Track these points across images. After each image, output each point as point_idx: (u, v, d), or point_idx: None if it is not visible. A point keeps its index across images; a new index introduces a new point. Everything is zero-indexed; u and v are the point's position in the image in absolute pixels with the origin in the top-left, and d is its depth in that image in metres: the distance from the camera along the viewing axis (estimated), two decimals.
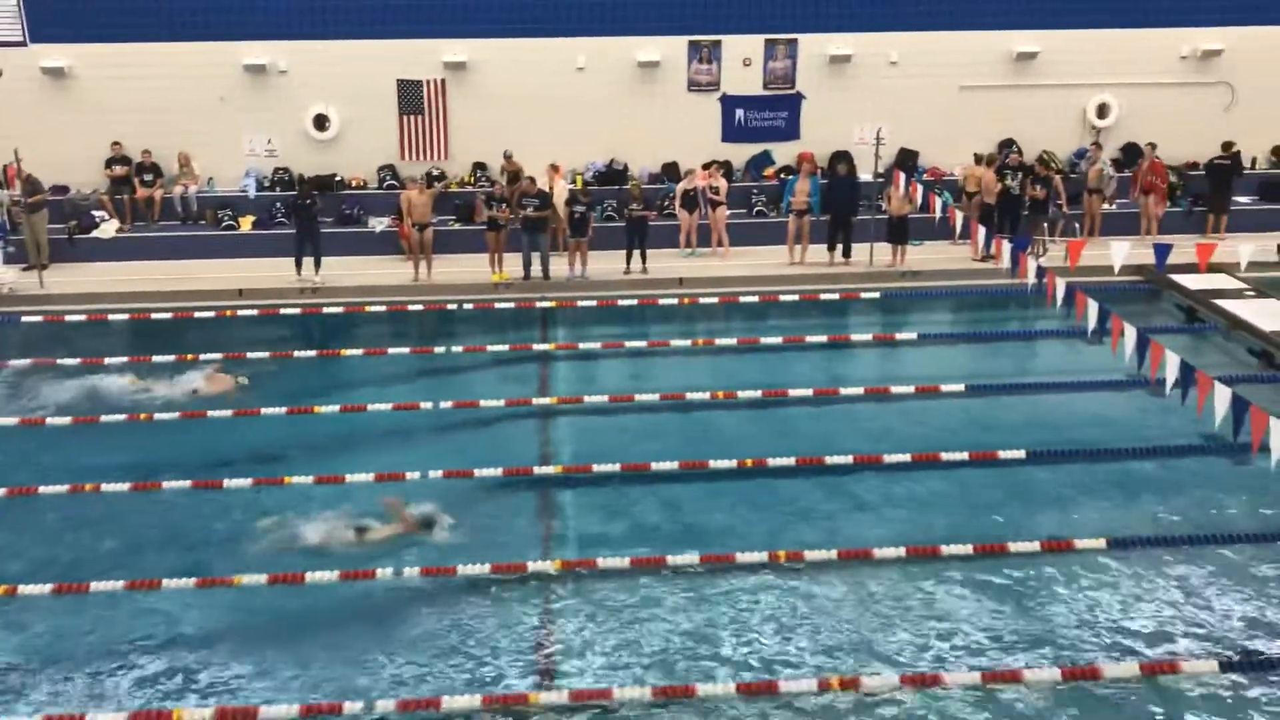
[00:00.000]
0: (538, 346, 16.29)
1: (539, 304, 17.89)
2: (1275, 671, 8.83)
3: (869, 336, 16.72)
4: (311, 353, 15.78)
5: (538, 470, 12.11)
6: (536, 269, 18.47)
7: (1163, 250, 15.37)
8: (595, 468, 12.08)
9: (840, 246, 19.01)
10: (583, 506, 11.56)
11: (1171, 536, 10.70)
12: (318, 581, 9.85)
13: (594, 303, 17.86)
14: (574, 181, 19.63)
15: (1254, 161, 21.54)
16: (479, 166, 20.97)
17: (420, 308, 17.74)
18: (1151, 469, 12.10)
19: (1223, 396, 10.57)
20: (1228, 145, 20.60)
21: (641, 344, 16.44)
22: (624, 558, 10.28)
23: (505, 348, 16.01)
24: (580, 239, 18.58)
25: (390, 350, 15.78)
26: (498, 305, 17.87)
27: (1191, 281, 17.30)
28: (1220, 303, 16.66)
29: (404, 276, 18.77)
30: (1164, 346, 11.67)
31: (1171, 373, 11.33)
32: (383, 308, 17.71)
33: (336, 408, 13.74)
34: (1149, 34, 21.25)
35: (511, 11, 20.40)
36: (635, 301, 17.93)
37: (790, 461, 12.21)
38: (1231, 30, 21.27)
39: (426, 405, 13.75)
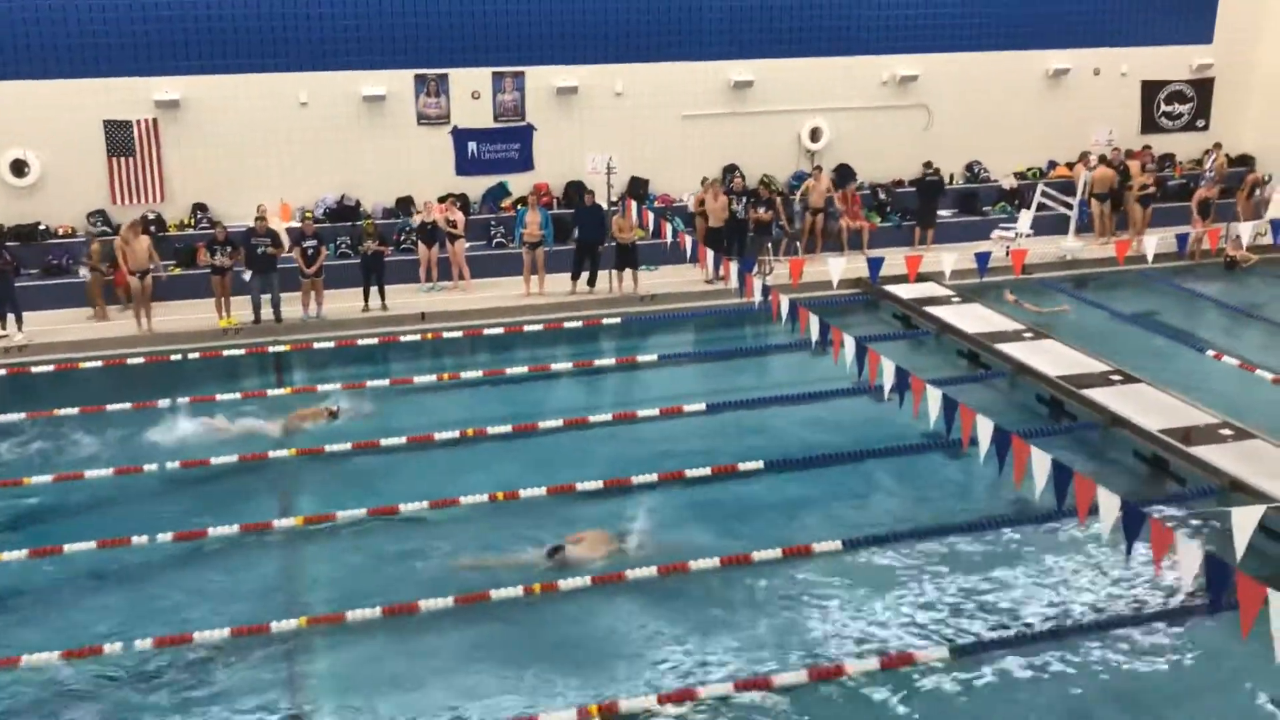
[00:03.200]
0: (272, 393, 15.60)
1: (272, 349, 17.17)
2: (1000, 651, 9.53)
3: (612, 361, 17.02)
4: (18, 415, 14.50)
5: (278, 524, 11.61)
6: (268, 312, 17.74)
7: (875, 263, 16.40)
8: (340, 515, 11.72)
9: (586, 274, 19.22)
10: (328, 557, 11.16)
11: (899, 533, 11.40)
12: None
13: (332, 344, 17.30)
14: (303, 218, 18.94)
15: (951, 177, 23.32)
16: (199, 208, 19.95)
17: (142, 360, 16.64)
18: (878, 470, 12.84)
19: (935, 397, 11.32)
20: (933, 164, 22.25)
21: (384, 383, 16.03)
22: (375, 608, 10.01)
23: (237, 396, 15.24)
24: (314, 278, 18.00)
25: (109, 407, 14.63)
26: (227, 353, 17.00)
27: (904, 291, 18.52)
28: (930, 309, 17.89)
29: (123, 328, 17.59)
30: (880, 354, 12.35)
31: (889, 378, 12.00)
32: (99, 363, 16.53)
33: (49, 477, 12.72)
34: (852, 61, 22.56)
35: (225, 47, 19.50)
36: (376, 340, 17.51)
37: (541, 491, 12.23)
38: (925, 56, 22.90)
39: (151, 467, 12.96)
